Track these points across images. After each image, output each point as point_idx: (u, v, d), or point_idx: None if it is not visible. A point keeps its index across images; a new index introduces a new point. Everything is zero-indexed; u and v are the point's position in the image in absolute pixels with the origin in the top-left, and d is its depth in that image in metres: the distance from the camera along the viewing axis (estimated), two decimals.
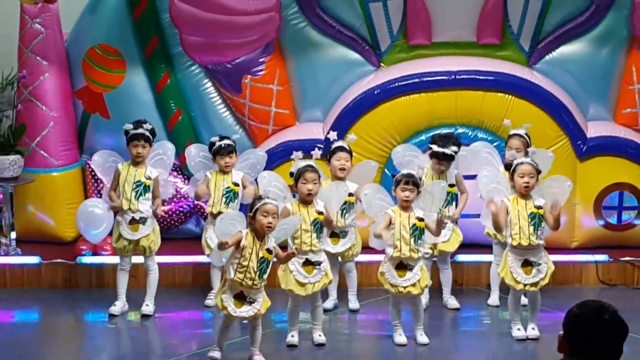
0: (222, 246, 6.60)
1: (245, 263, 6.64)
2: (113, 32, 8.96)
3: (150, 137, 7.88)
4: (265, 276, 6.71)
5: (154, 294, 7.92)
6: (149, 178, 7.85)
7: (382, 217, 7.19)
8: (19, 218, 8.87)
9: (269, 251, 6.69)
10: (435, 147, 7.84)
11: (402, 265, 7.15)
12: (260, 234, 6.69)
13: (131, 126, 7.85)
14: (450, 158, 7.81)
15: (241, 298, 6.72)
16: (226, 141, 7.98)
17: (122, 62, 9.02)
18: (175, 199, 8.96)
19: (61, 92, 9.01)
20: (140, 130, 7.81)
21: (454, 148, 7.82)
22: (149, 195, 7.86)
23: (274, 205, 6.70)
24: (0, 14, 9.39)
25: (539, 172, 7.30)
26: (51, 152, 8.96)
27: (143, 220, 7.81)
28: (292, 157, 7.43)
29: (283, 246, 7.24)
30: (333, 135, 7.97)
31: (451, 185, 7.80)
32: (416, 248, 7.13)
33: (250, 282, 6.67)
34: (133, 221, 7.80)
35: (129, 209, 7.79)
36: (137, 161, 7.85)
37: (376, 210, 7.29)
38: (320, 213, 7.24)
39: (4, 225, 8.72)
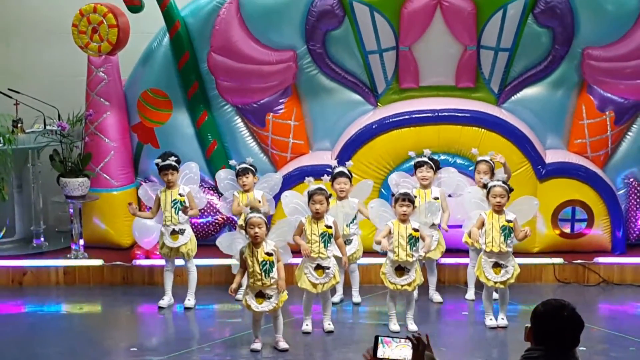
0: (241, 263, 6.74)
1: (250, 269, 6.65)
2: (162, 79, 8.98)
3: (177, 165, 7.87)
4: (272, 274, 6.64)
5: (194, 290, 7.91)
6: (182, 195, 7.84)
7: (383, 227, 7.17)
8: (86, 228, 8.87)
9: (268, 254, 6.64)
10: (414, 161, 7.91)
11: (401, 268, 7.12)
12: (255, 243, 6.63)
13: (160, 160, 7.86)
14: (424, 163, 7.78)
15: (261, 296, 6.71)
16: (242, 165, 7.94)
17: (169, 102, 9.02)
18: (211, 213, 8.91)
19: (120, 127, 9.01)
20: (167, 162, 7.82)
21: (429, 160, 7.84)
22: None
23: (257, 218, 6.62)
24: (71, 64, 9.41)
25: (509, 191, 7.31)
26: (112, 175, 8.95)
27: (182, 232, 7.81)
28: (305, 181, 7.40)
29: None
30: (334, 162, 7.96)
31: (435, 198, 7.76)
32: (411, 253, 7.10)
33: (260, 283, 6.66)
34: (174, 232, 7.81)
35: (171, 222, 7.78)
36: (169, 185, 7.86)
37: (380, 220, 7.27)
38: (328, 227, 7.17)
39: (74, 234, 8.72)
